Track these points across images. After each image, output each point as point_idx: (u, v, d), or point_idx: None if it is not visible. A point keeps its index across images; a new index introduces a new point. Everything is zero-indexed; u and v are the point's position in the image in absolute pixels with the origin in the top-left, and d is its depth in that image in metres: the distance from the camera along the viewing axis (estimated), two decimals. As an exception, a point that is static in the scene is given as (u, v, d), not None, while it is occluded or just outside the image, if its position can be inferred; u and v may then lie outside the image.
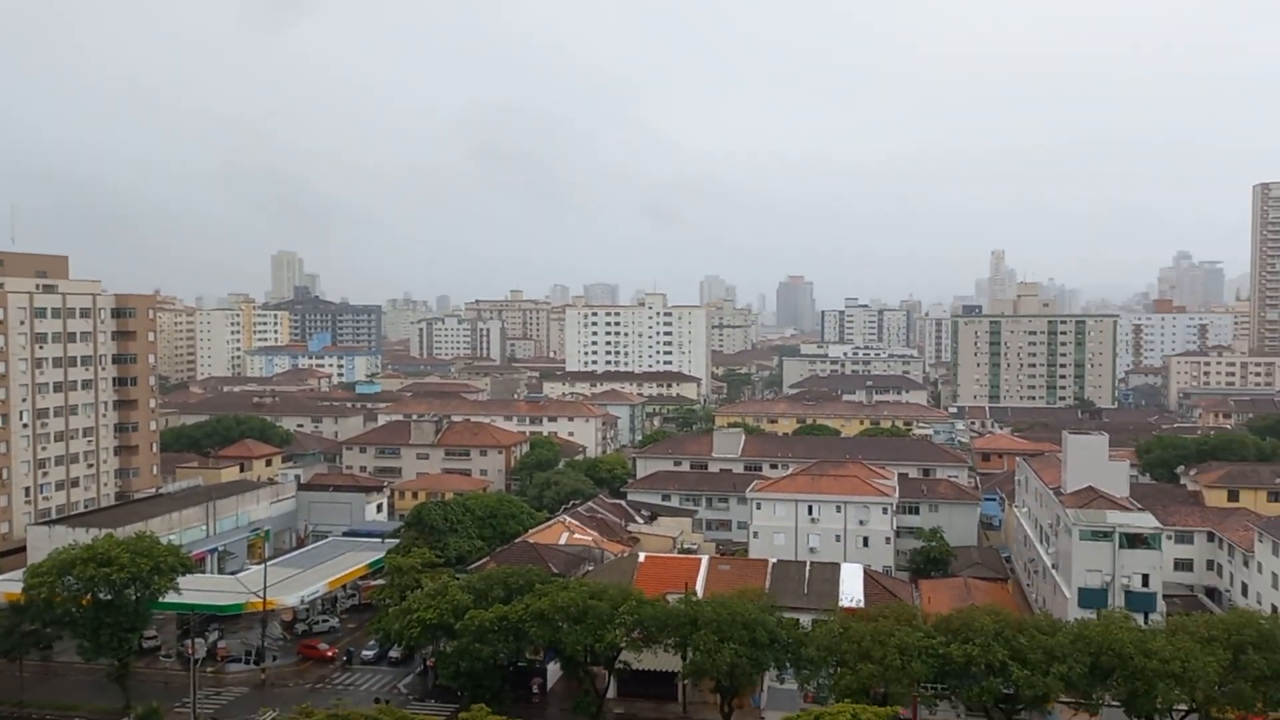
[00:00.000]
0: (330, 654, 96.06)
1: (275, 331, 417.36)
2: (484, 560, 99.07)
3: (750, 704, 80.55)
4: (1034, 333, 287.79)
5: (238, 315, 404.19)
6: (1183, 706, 67.16)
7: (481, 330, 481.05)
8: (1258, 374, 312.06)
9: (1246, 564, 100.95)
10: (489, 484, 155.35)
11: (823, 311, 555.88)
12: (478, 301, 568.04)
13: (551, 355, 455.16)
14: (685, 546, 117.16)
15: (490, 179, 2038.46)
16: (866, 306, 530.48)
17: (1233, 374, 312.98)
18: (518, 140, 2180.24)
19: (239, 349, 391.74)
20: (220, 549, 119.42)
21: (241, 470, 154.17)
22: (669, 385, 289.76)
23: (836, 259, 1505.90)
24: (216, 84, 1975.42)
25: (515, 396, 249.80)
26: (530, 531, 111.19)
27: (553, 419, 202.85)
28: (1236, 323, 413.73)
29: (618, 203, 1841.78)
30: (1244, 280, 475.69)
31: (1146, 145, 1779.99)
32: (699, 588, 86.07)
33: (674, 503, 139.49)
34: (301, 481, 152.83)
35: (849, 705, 60.28)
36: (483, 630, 73.99)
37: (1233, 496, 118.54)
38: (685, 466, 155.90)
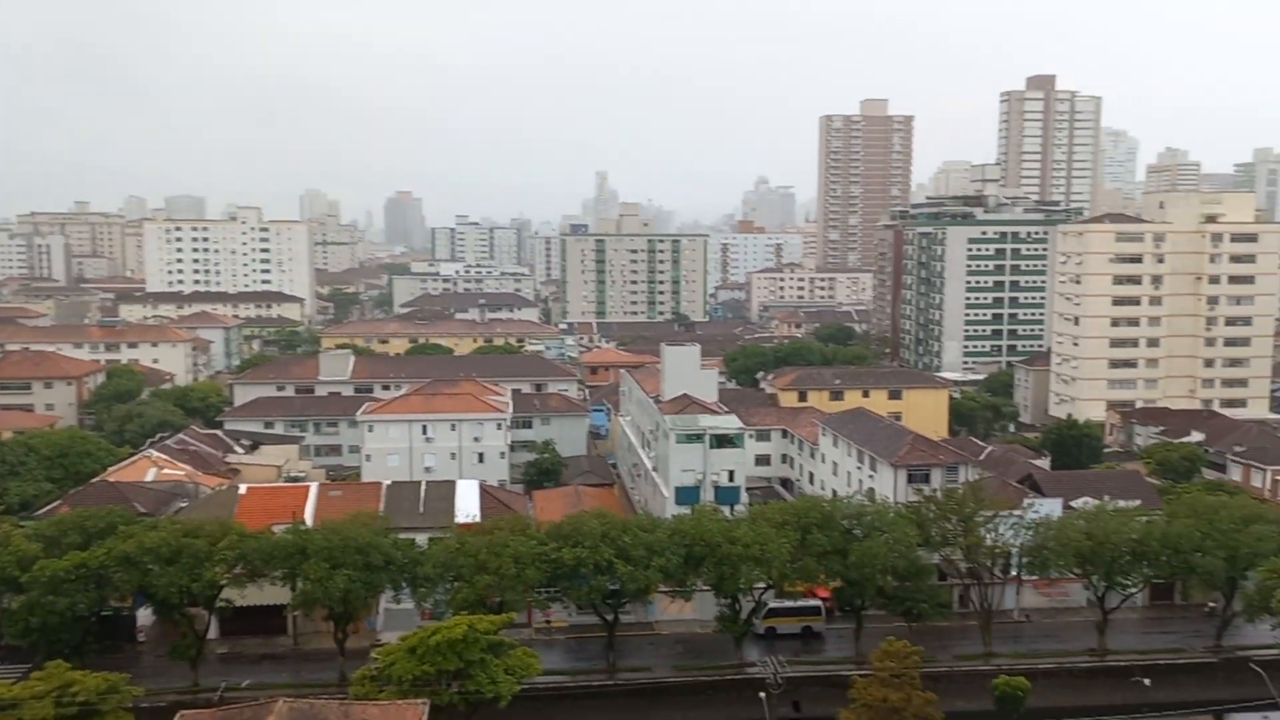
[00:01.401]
0: None
1: None
2: (55, 504, 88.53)
3: (365, 628, 79.24)
4: (635, 251, 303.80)
5: None
6: (761, 584, 75.05)
7: (40, 247, 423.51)
8: (823, 288, 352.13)
9: (813, 456, 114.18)
10: (57, 420, 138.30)
11: (433, 229, 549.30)
12: (34, 214, 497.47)
13: (129, 275, 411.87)
14: (292, 475, 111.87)
15: (54, 70, 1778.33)
16: (478, 224, 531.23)
17: (803, 288, 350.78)
18: (83, 25, 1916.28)
19: None
20: None
21: None
22: (269, 306, 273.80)
23: (446, 177, 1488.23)
24: None
25: (86, 321, 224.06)
26: (111, 470, 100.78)
27: (133, 345, 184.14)
28: (805, 242, 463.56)
29: (203, 106, 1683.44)
30: (812, 204, 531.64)
31: (733, 74, 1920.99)
32: (308, 516, 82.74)
33: (278, 430, 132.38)
34: None
35: (465, 616, 60.95)
36: (56, 581, 66.22)
37: (802, 397, 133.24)
38: (290, 391, 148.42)
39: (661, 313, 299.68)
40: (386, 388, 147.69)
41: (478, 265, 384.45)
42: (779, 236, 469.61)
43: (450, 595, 69.71)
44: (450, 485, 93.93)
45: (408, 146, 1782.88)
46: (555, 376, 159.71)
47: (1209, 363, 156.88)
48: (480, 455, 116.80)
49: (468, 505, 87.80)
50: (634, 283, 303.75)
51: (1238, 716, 73.16)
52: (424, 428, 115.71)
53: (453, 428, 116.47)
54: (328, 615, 72.84)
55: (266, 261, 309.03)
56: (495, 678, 58.27)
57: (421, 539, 77.02)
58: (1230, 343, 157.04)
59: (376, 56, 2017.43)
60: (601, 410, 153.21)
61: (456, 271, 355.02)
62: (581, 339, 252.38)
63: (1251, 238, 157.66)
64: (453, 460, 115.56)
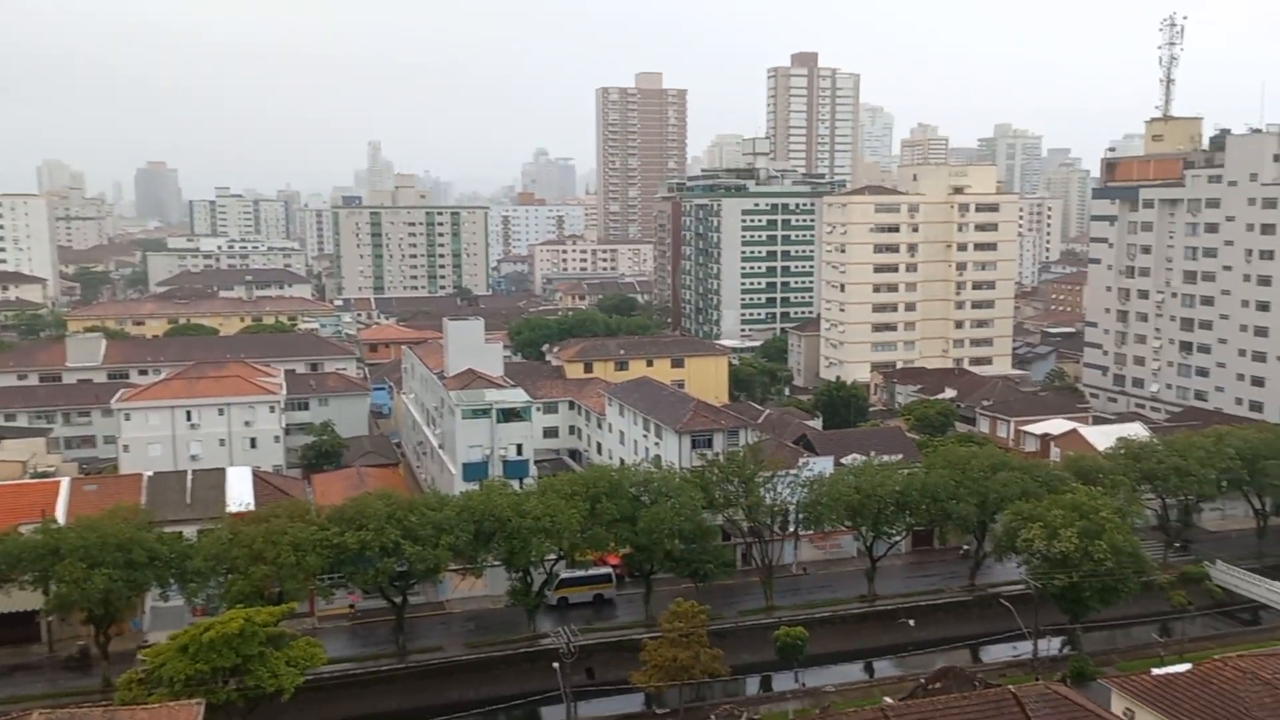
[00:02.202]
0: None
1: None
2: None
3: (130, 629, 73.98)
4: (413, 224, 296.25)
5: None
6: (553, 556, 75.27)
7: None
8: (605, 259, 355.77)
9: (600, 426, 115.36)
10: None
11: (191, 202, 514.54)
12: None
13: None
14: (40, 471, 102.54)
15: None
16: (240, 196, 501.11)
17: (585, 260, 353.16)
18: None
19: None
20: None
21: None
22: (5, 288, 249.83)
23: (203, 149, 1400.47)
24: None
25: None
26: None
27: None
28: (587, 214, 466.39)
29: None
30: (592, 175, 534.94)
31: (510, 47, 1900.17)
32: (60, 514, 76.23)
33: (21, 422, 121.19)
34: None
35: (241, 610, 57.91)
36: None
37: (588, 368, 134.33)
38: (33, 380, 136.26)
39: (443, 287, 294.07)
40: (145, 373, 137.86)
41: (242, 240, 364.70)
42: (560, 208, 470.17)
43: (224, 589, 66.19)
44: (220, 473, 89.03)
45: (162, 121, 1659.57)
46: (332, 355, 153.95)
47: (959, 324, 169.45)
48: (252, 440, 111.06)
49: (240, 493, 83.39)
50: (413, 256, 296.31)
51: (991, 648, 79.68)
52: (188, 413, 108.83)
53: (221, 412, 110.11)
54: (87, 618, 67.48)
55: (0, 239, 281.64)
56: (276, 671, 55.75)
57: (190, 531, 72.62)
58: (977, 305, 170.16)
59: (127, 27, 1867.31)
60: (383, 388, 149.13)
61: (219, 247, 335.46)
62: (359, 315, 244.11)
63: (993, 207, 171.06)
64: (222, 447, 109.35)
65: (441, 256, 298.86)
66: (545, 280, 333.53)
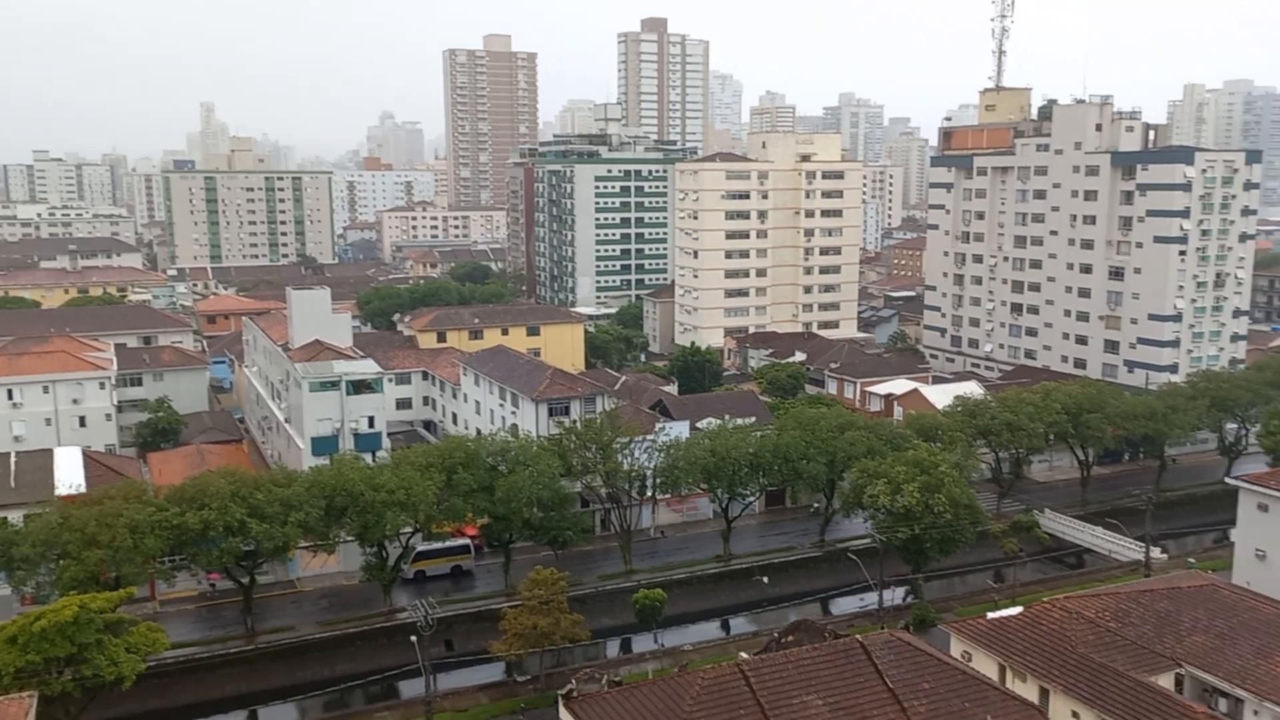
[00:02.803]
0: None
1: None
2: None
3: (-50, 624, 69.06)
4: (252, 189, 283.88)
5: None
6: (408, 529, 74.01)
7: None
8: (456, 226, 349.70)
9: (455, 396, 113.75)
10: None
11: (4, 165, 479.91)
12: None
13: None
14: None
15: None
16: (61, 160, 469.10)
17: (436, 227, 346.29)
18: None
19: None
20: None
21: None
22: None
23: (18, 105, 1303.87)
24: None
25: None
26: None
27: None
28: (437, 179, 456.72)
29: None
30: (441, 140, 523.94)
31: (339, 6, 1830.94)
32: None
33: None
34: None
35: (76, 596, 54.82)
36: None
37: (441, 338, 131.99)
38: None
39: (286, 255, 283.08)
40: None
41: (65, 207, 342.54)
42: (409, 174, 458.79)
43: (55, 575, 62.52)
44: (47, 454, 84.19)
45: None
46: (166, 328, 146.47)
47: (808, 289, 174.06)
48: (81, 419, 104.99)
49: (70, 475, 78.96)
50: (252, 224, 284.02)
51: (840, 600, 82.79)
52: (9, 392, 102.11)
53: (45, 390, 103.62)
54: (-104, 616, 62.61)
55: None
56: (116, 659, 53.13)
57: (15, 516, 68.09)
58: (824, 270, 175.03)
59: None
60: (223, 362, 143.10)
61: (39, 215, 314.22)
62: (195, 286, 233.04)
63: (839, 175, 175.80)
64: (49, 427, 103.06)
65: (283, 224, 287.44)
66: (395, 248, 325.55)
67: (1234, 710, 49.16)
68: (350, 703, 67.11)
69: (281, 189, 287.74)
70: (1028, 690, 49.60)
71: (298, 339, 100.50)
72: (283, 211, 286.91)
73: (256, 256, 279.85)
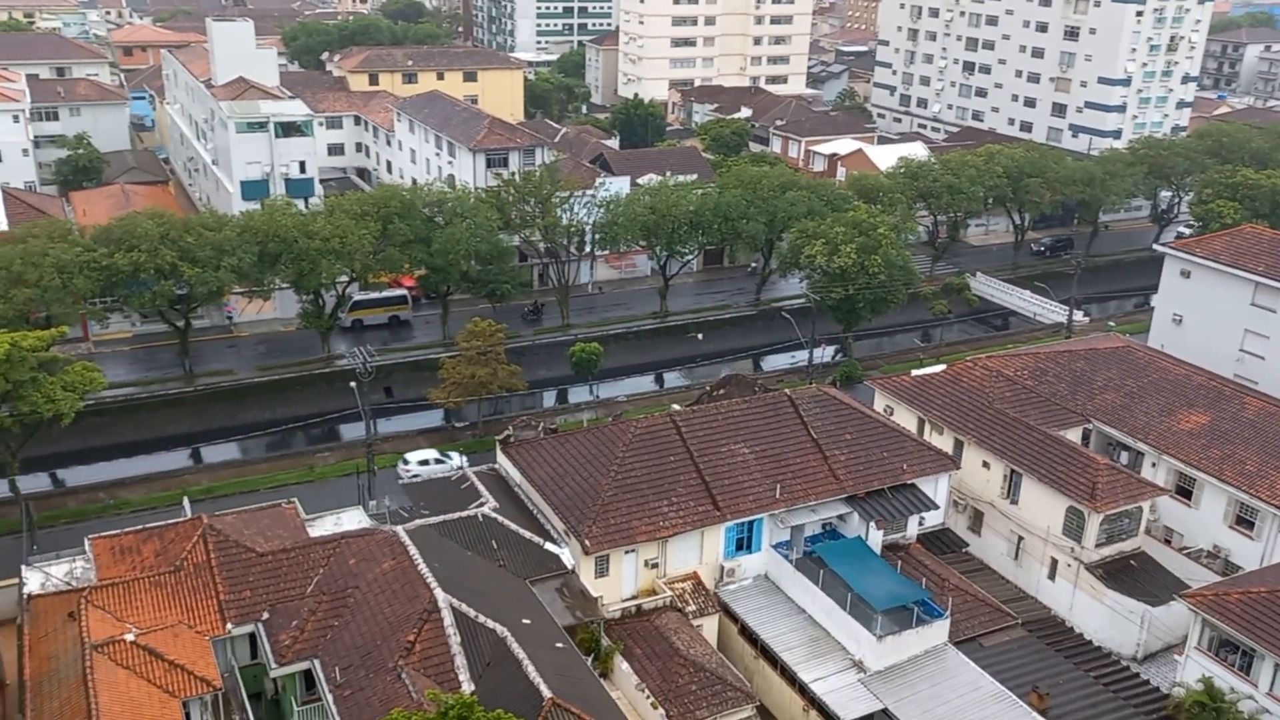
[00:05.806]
0: None
1: None
2: None
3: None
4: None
5: None
6: (344, 278, 73.42)
7: None
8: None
9: (389, 143, 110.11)
10: None
11: None
12: None
13: None
14: None
15: None
16: None
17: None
18: None
19: None
20: None
21: None
22: None
23: None
24: None
25: None
26: None
27: None
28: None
29: None
30: None
31: None
32: None
33: None
34: None
35: (5, 334, 54.00)
36: None
37: (373, 80, 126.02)
38: None
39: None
40: None
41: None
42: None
43: (-18, 315, 61.30)
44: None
45: None
46: (80, 59, 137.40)
47: (757, 40, 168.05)
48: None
49: (-12, 213, 75.88)
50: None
51: (772, 357, 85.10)
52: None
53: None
54: None
55: None
56: (52, 396, 53.00)
57: (-68, 256, 65.87)
58: (776, 21, 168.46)
59: None
60: (143, 98, 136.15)
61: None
62: (108, 14, 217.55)
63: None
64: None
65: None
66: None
67: (1134, 462, 52.57)
68: (292, 444, 68.54)
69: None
70: (944, 442, 52.32)
71: (221, 75, 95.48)
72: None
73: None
